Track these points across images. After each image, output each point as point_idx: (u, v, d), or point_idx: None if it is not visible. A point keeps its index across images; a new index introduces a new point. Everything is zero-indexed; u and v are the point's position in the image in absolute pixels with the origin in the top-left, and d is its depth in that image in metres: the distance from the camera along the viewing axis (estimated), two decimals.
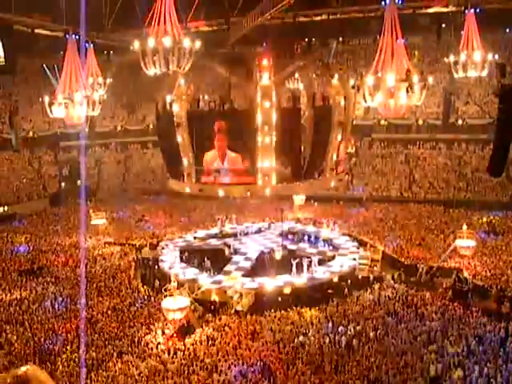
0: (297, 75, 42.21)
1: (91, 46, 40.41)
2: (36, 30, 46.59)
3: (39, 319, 24.27)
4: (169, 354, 20.89)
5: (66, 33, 37.21)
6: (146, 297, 27.09)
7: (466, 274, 28.06)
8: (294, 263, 29.05)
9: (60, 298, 26.88)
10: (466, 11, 34.49)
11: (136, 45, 24.85)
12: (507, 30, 52.22)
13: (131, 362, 20.13)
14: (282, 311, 24.77)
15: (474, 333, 21.18)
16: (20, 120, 56.35)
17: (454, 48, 34.91)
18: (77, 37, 36.57)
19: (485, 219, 37.87)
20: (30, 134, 57.75)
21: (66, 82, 34.18)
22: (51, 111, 34.13)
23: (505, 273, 27.87)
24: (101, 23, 43.92)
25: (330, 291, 27.57)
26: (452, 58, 33.90)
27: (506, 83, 21.87)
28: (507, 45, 51.14)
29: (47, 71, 47.93)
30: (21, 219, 45.17)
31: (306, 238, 36.65)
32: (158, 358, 20.50)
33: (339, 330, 22.04)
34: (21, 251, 35.83)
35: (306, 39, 54.50)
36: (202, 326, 23.38)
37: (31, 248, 36.26)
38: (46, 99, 34.28)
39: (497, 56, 34.97)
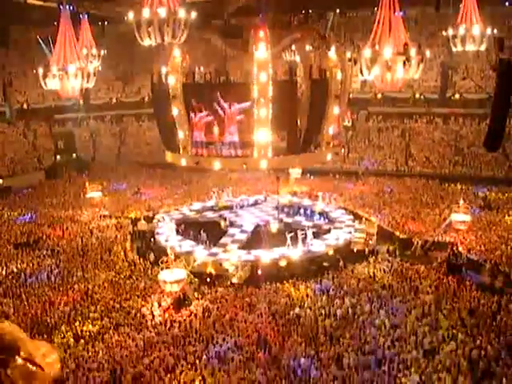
0: (293, 47, 41.83)
1: (85, 16, 39.80)
2: (29, 1, 45.79)
3: (36, 292, 24.40)
4: (165, 325, 21.08)
5: (59, 3, 36.59)
6: (142, 269, 27.23)
7: (460, 248, 28.25)
8: (290, 236, 29.19)
9: (56, 271, 26.99)
10: None
11: (130, 15, 24.50)
12: (506, 4, 51.59)
13: (128, 334, 20.31)
14: (278, 284, 24.96)
15: (468, 306, 21.42)
16: (14, 92, 55.90)
17: (452, 21, 34.51)
18: (71, 7, 36.00)
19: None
20: (25, 106, 57.25)
21: (59, 53, 33.71)
22: (45, 83, 33.72)
23: (499, 248, 28.07)
24: None
25: (325, 264, 27.73)
26: (450, 32, 33.56)
27: (504, 57, 21.70)
28: (506, 19, 50.65)
29: (41, 42, 47.32)
30: (16, 192, 45.07)
31: (301, 211, 36.75)
32: (154, 330, 20.68)
33: (334, 302, 22.26)
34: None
35: (303, 11, 53.83)
36: (197, 299, 23.54)
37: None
38: (40, 71, 33.84)
39: (495, 30, 34.61)
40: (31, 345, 3.26)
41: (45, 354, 3.48)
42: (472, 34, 32.70)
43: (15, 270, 27.32)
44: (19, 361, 3.28)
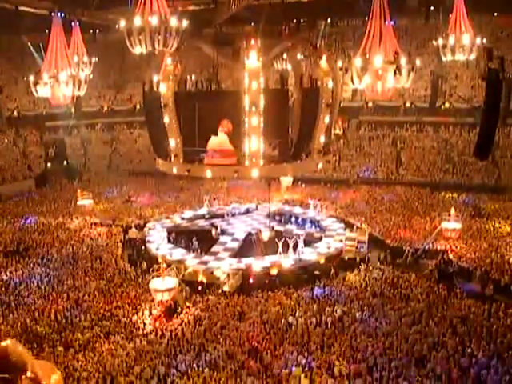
0: (285, 56, 41.94)
1: (77, 24, 39.80)
2: (20, 8, 45.76)
3: (25, 300, 24.22)
4: (156, 334, 20.99)
5: (51, 11, 36.61)
6: (133, 277, 27.12)
7: (451, 256, 28.38)
8: (281, 244, 29.19)
9: (46, 279, 26.83)
10: None
11: (122, 23, 24.52)
12: (495, 14, 52.11)
13: (118, 343, 20.20)
14: (269, 292, 24.94)
15: (459, 314, 21.50)
16: (4, 99, 55.67)
17: (442, 31, 34.80)
18: (62, 15, 36.00)
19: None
20: (15, 113, 57.03)
21: (51, 60, 33.69)
22: (36, 90, 33.67)
23: (489, 255, 28.20)
24: (86, 1, 43.21)
25: (316, 272, 27.73)
26: (440, 41, 33.83)
27: (492, 67, 21.92)
28: (495, 29, 51.14)
29: (32, 50, 47.25)
30: (6, 200, 44.79)
31: (293, 219, 36.76)
32: (145, 339, 20.59)
33: (325, 310, 22.26)
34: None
35: (295, 20, 54.08)
36: (189, 307, 23.48)
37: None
38: (31, 78, 33.78)
39: (485, 40, 34.90)
40: (36, 365, 3.25)
41: (49, 374, 3.48)
42: (462, 43, 32.96)
43: (5, 277, 27.14)
44: (25, 381, 3.28)
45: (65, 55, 33.91)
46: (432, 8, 50.18)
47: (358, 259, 29.14)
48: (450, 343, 19.04)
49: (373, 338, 19.89)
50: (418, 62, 28.84)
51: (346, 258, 29.72)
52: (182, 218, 38.16)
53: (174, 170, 30.13)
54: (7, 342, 3.17)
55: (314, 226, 35.54)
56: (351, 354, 18.69)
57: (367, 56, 27.18)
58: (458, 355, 18.17)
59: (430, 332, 20.07)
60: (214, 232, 34.07)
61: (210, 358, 18.71)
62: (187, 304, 23.80)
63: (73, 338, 20.68)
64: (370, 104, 52.09)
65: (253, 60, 26.52)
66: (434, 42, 35.77)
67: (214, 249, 31.26)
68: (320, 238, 32.60)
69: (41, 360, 3.40)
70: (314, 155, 29.72)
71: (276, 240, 29.72)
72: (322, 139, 29.66)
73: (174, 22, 24.46)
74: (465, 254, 28.68)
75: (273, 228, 33.81)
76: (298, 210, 38.97)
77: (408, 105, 52.14)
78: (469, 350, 18.48)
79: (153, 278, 23.64)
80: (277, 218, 36.90)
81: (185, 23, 25.17)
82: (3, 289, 25.68)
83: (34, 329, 21.29)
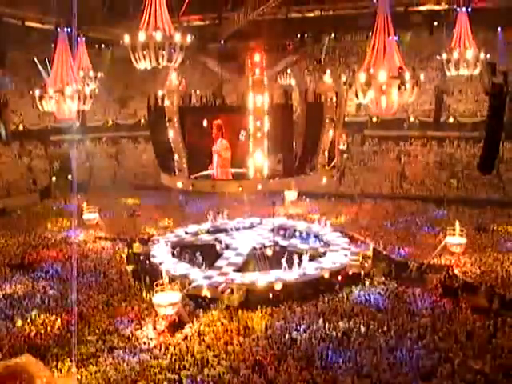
0: (289, 71, 42.19)
1: (83, 39, 40.14)
2: (27, 23, 46.24)
3: (29, 314, 24.17)
4: (160, 349, 20.91)
5: (56, 26, 36.92)
6: (137, 292, 27.05)
7: (456, 270, 28.26)
8: (285, 259, 29.11)
9: (50, 293, 26.78)
10: (458, 9, 34.58)
11: (126, 39, 24.74)
12: (499, 30, 52.24)
13: (122, 357, 20.12)
14: (273, 307, 24.83)
15: (464, 329, 21.36)
16: (10, 113, 55.87)
17: (446, 46, 34.97)
18: (68, 30, 36.30)
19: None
20: (20, 127, 57.26)
21: (56, 75, 33.93)
22: (41, 105, 33.87)
23: (494, 270, 28.08)
24: (92, 17, 43.63)
25: (320, 287, 27.63)
26: (444, 56, 33.98)
27: (496, 82, 22.03)
28: (498, 44, 51.21)
29: (38, 64, 47.52)
30: (11, 213, 44.84)
31: (297, 233, 36.66)
32: (148, 353, 20.51)
33: (330, 325, 22.14)
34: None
35: (299, 35, 54.44)
36: (192, 322, 23.39)
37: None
38: (37, 92, 33.99)
39: (488, 55, 35.02)
40: (54, 380, 3.28)
41: None
42: (466, 58, 33.11)
43: (9, 291, 27.12)
44: None
45: (70, 70, 34.13)
46: (436, 23, 50.41)
47: (362, 274, 29.04)
48: (456, 358, 18.91)
49: (378, 352, 19.76)
50: (422, 77, 28.88)
51: (351, 272, 29.61)
52: (186, 233, 38.12)
53: (179, 185, 30.18)
54: (20, 358, 3.19)
55: (318, 241, 35.41)
56: (356, 370, 18.56)
57: (371, 71, 27.24)
58: (463, 370, 18.03)
59: (435, 347, 19.95)
60: (218, 247, 34.04)
61: (214, 373, 18.62)
62: (191, 319, 23.71)
63: (76, 352, 20.60)
64: (375, 119, 52.14)
65: (257, 75, 26.69)
66: (438, 57, 35.91)
67: (218, 263, 31.21)
68: (324, 253, 32.51)
69: (61, 375, 3.41)
70: (318, 170, 29.75)
71: (280, 255, 29.66)
72: (326, 154, 29.71)
73: (178, 37, 24.68)
74: (470, 269, 28.56)
75: (277, 243, 33.76)
76: (302, 224, 38.90)
77: (412, 119, 52.18)
78: (474, 365, 18.34)
79: (156, 292, 23.60)
80: (281, 232, 36.82)
81: (189, 38, 25.40)
82: (7, 302, 25.64)
83: (38, 342, 21.24)
